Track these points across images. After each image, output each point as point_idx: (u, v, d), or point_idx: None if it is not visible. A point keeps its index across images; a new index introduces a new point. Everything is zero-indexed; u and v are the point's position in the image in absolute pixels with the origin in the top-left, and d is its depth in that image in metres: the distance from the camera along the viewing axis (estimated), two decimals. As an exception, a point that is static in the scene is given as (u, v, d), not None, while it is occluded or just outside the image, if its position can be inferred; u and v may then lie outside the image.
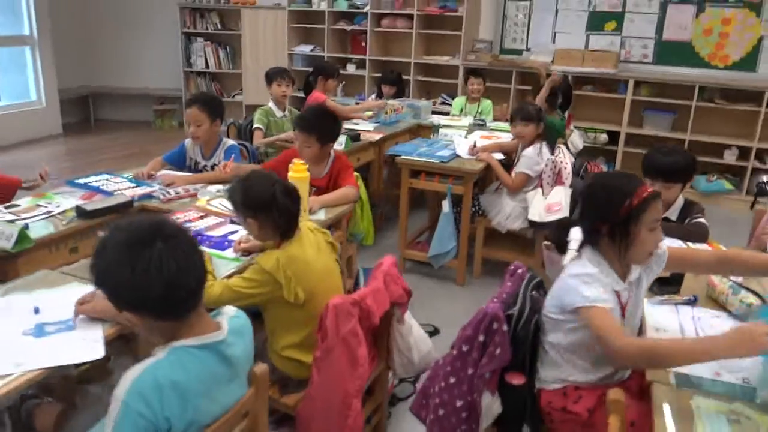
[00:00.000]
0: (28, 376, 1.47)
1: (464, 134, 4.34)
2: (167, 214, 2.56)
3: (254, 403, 1.43)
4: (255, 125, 3.98)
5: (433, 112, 5.25)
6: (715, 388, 1.51)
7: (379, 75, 6.00)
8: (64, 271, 2.08)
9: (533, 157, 3.56)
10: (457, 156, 3.76)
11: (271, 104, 4.10)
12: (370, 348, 1.98)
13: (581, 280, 1.63)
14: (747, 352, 1.40)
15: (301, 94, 4.94)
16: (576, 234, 1.74)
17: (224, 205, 2.65)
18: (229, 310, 1.40)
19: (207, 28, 7.51)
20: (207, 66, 7.63)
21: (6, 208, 2.51)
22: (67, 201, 2.62)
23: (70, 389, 2.30)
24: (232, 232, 2.38)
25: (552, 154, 3.58)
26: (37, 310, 1.75)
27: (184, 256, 1.22)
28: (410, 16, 6.43)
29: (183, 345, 1.24)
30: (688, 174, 2.54)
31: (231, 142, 3.21)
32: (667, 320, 1.88)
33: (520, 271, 2.03)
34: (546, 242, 3.01)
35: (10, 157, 6.25)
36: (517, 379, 1.78)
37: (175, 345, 1.24)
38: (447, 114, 5.41)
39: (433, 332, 3.12)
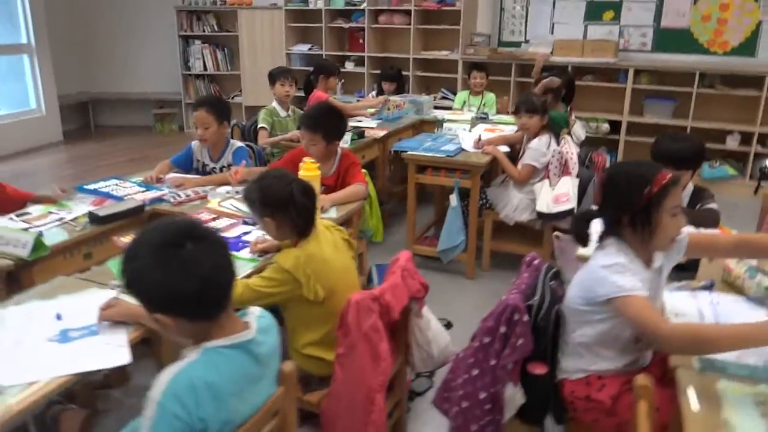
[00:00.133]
0: (58, 382, 1.47)
1: (468, 128, 4.34)
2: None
3: (283, 402, 1.43)
4: (260, 125, 3.98)
5: (434, 107, 5.26)
6: (740, 371, 1.52)
7: (377, 72, 6.00)
8: (80, 277, 2.09)
9: (539, 149, 3.56)
10: (463, 150, 3.77)
11: (274, 104, 4.10)
12: (389, 343, 1.99)
13: (613, 270, 1.62)
14: None
15: (301, 94, 4.94)
16: (596, 225, 1.74)
17: (236, 206, 2.66)
18: (255, 309, 1.41)
19: (204, 31, 7.50)
20: (205, 68, 7.62)
21: (18, 216, 2.51)
22: (78, 207, 2.63)
23: (90, 395, 2.31)
24: (246, 233, 2.39)
25: (557, 145, 3.59)
26: (59, 317, 1.75)
27: (216, 256, 1.23)
28: (407, 12, 6.43)
29: (215, 346, 1.25)
30: (698, 160, 2.55)
31: (239, 144, 3.21)
32: (685, 306, 1.88)
33: (536, 262, 2.03)
34: (556, 233, 3.03)
35: (11, 166, 6.24)
36: (539, 369, 1.79)
37: (207, 346, 1.25)
38: (448, 109, 5.42)
39: (446, 326, 3.13)
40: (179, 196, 2.79)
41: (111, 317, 1.69)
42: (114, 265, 2.11)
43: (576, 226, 1.80)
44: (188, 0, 7.46)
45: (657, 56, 5.93)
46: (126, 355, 1.60)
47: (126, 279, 1.23)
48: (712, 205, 2.57)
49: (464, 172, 3.61)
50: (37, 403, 1.45)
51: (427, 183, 3.84)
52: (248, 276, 1.97)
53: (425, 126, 4.75)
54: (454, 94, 6.10)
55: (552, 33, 6.23)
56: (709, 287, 2.00)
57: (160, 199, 2.77)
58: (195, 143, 3.20)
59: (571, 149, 3.58)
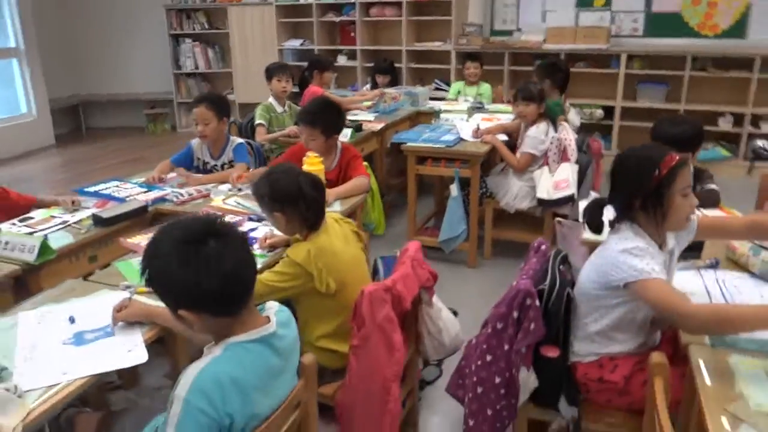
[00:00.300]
0: (78, 385, 1.48)
1: (466, 117, 4.35)
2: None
3: (305, 394, 1.45)
4: (257, 121, 3.97)
5: (430, 98, 5.26)
6: (750, 345, 1.55)
7: (370, 65, 5.99)
8: (90, 279, 2.09)
9: (538, 137, 3.58)
10: (462, 139, 3.78)
11: (271, 100, 4.09)
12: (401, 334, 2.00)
13: (632, 254, 1.63)
14: None
15: (296, 89, 4.93)
16: (607, 212, 1.76)
17: (240, 203, 2.66)
18: (273, 304, 1.42)
19: (194, 29, 7.46)
20: (196, 67, 7.58)
21: (20, 221, 2.50)
22: (81, 210, 2.62)
23: (102, 397, 2.31)
24: (252, 230, 2.39)
25: (555, 132, 3.61)
26: (72, 320, 1.76)
27: (239, 252, 1.24)
28: (399, 4, 6.41)
29: (238, 341, 1.26)
30: (698, 142, 2.57)
31: (239, 140, 3.21)
32: (692, 284, 1.91)
33: (543, 247, 2.06)
34: (558, 218, 3.04)
35: (4, 172, 6.20)
36: (551, 352, 1.81)
37: (231, 341, 1.26)
38: (441, 99, 5.42)
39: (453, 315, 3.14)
40: (182, 195, 2.78)
41: (125, 318, 1.70)
42: (123, 266, 2.11)
43: (590, 213, 1.81)
44: (177, -2, 7.42)
45: (648, 41, 5.94)
46: (143, 354, 1.61)
47: (148, 277, 1.24)
48: (713, 186, 2.61)
49: (464, 162, 3.62)
50: (57, 406, 1.46)
51: (427, 174, 3.85)
52: (259, 271, 1.98)
53: (422, 117, 4.76)
54: (448, 84, 6.11)
55: (544, 21, 6.24)
56: (715, 266, 2.03)
57: (162, 199, 2.77)
58: (195, 142, 3.19)
59: (569, 136, 3.59)
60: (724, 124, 5.67)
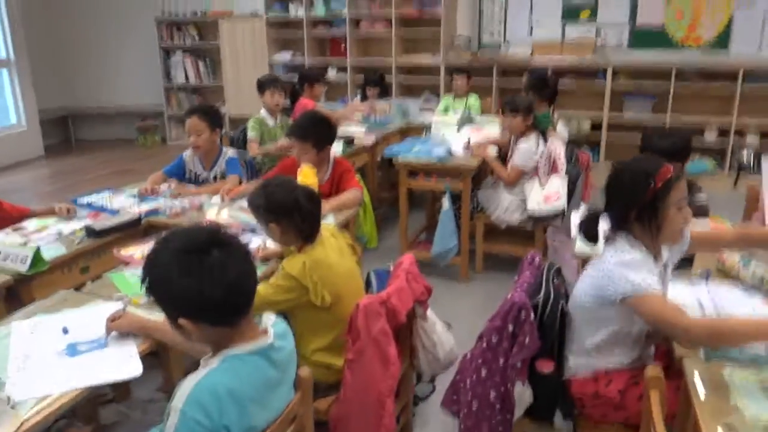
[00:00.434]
0: (71, 396, 1.46)
1: (456, 128, 4.36)
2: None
3: (301, 408, 1.44)
4: (249, 134, 3.97)
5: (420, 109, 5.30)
6: (742, 356, 1.56)
7: (360, 78, 6.02)
8: (84, 291, 2.07)
9: (529, 150, 3.61)
10: (452, 153, 3.80)
11: (263, 113, 4.09)
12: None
13: (629, 267, 1.63)
14: None
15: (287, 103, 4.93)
16: (602, 224, 1.77)
17: (233, 216, 2.65)
18: (270, 316, 1.41)
19: (185, 42, 7.45)
20: (187, 80, 7.58)
21: (14, 230, 2.49)
22: (74, 221, 2.61)
23: (92, 410, 2.29)
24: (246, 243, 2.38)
25: (545, 144, 3.64)
26: (65, 331, 1.74)
27: (241, 262, 1.24)
28: (388, 19, 6.46)
29: (235, 353, 1.25)
30: (686, 153, 2.62)
31: (231, 152, 3.21)
32: (683, 296, 1.92)
33: (537, 260, 2.06)
34: (550, 227, 3.06)
35: (-6, 183, 6.15)
36: (546, 367, 1.81)
37: (228, 353, 1.25)
38: (430, 111, 5.43)
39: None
40: (175, 207, 2.77)
41: (119, 327, 1.69)
42: (116, 278, 2.10)
43: (586, 225, 1.82)
44: (168, 11, 7.41)
45: (633, 53, 6.02)
46: (137, 366, 1.60)
47: (148, 285, 1.23)
48: (702, 197, 2.65)
49: (455, 176, 3.64)
50: (50, 417, 1.44)
51: (418, 188, 3.87)
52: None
53: (411, 130, 4.79)
54: (438, 97, 6.15)
55: (531, 34, 6.32)
56: (706, 277, 2.06)
57: (155, 211, 2.75)
58: (187, 153, 3.19)
59: (558, 148, 3.63)
60: (710, 136, 5.76)
